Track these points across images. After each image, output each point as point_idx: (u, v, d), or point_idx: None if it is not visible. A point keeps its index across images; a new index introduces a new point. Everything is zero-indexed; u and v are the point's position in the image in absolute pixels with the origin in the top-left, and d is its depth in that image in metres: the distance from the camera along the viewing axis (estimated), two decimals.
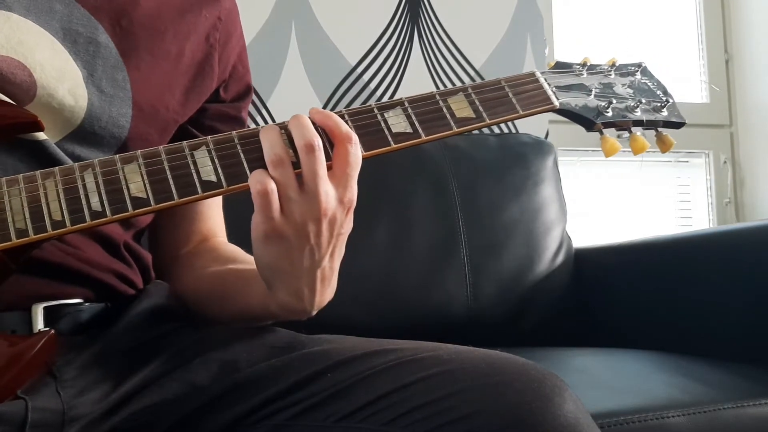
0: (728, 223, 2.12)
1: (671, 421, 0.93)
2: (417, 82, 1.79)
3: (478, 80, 1.84)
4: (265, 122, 1.66)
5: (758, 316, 1.22)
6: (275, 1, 1.70)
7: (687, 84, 2.20)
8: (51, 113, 0.70)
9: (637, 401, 0.96)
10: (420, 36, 1.81)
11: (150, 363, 0.69)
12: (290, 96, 1.68)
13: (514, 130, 1.82)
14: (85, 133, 0.72)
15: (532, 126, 1.82)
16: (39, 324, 0.68)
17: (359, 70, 1.75)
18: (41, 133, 0.70)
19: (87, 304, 0.73)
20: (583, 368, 1.17)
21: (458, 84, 1.82)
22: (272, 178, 0.63)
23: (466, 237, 1.48)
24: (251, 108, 1.65)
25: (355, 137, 0.66)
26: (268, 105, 1.66)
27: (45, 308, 0.69)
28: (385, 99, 1.75)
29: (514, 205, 1.54)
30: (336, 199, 0.65)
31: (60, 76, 0.70)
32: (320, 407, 0.62)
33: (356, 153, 0.66)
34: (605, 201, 2.07)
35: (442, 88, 1.80)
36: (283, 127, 0.67)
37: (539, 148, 1.63)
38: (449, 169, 1.52)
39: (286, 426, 0.63)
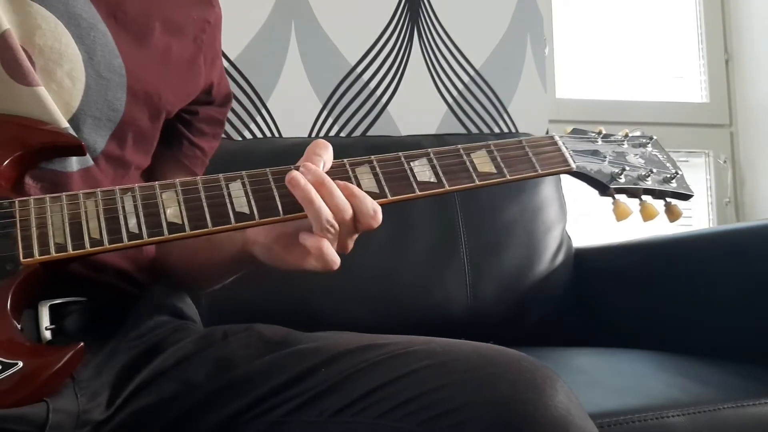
0: (728, 222, 2.12)
1: (671, 420, 0.93)
2: (417, 82, 1.79)
3: (478, 80, 1.85)
4: (265, 122, 1.66)
5: (758, 316, 1.22)
6: (275, 1, 1.70)
7: (687, 83, 2.20)
8: (52, 96, 0.72)
9: (636, 401, 0.96)
10: (420, 36, 1.81)
11: (151, 362, 0.70)
12: (290, 96, 1.68)
13: (513, 130, 1.83)
14: (84, 116, 0.74)
15: (531, 126, 1.82)
16: (45, 322, 0.69)
17: (359, 69, 1.75)
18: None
19: (92, 303, 0.74)
20: (582, 368, 1.17)
21: (458, 83, 1.83)
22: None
23: (465, 237, 1.48)
24: (251, 107, 1.66)
25: (378, 214, 0.70)
26: (267, 105, 1.66)
27: (50, 306, 0.70)
28: (385, 99, 1.76)
29: (514, 204, 1.54)
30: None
31: (59, 59, 0.72)
32: (314, 402, 0.63)
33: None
34: (605, 201, 2.07)
35: (442, 88, 1.81)
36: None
37: None
38: None
39: (282, 422, 0.63)
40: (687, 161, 2.18)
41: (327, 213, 0.67)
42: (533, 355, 0.61)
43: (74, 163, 0.74)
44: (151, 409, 0.66)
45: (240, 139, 1.64)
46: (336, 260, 0.68)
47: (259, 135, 1.65)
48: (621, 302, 1.48)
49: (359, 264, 1.41)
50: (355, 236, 0.71)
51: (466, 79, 1.84)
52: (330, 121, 1.71)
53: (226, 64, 1.63)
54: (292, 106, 1.68)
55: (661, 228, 2.05)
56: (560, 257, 1.55)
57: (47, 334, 0.69)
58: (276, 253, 0.72)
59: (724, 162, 2.17)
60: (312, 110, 1.71)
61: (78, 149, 0.72)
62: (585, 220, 1.95)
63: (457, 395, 0.57)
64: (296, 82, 1.69)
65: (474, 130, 1.81)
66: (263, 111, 1.66)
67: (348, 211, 0.68)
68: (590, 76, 2.09)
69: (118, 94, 0.76)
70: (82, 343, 0.66)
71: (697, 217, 2.16)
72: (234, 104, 1.64)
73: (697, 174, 2.18)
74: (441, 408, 0.57)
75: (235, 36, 1.65)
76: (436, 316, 1.43)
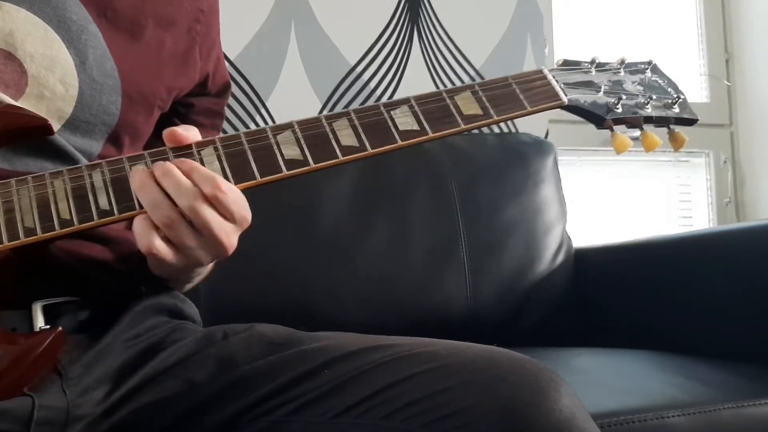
0: (728, 222, 2.13)
1: (671, 421, 0.93)
2: (417, 81, 1.79)
3: (478, 80, 1.84)
4: (265, 122, 1.66)
5: (758, 316, 1.22)
6: (275, 0, 1.70)
7: (687, 83, 2.20)
8: (44, 103, 0.71)
9: (636, 401, 0.96)
10: (420, 36, 1.81)
11: (150, 361, 0.70)
12: (290, 96, 1.68)
13: (513, 130, 1.82)
14: (78, 122, 0.73)
15: (532, 125, 1.82)
16: (39, 322, 0.68)
17: (359, 69, 1.75)
18: None
19: (86, 302, 0.74)
20: (582, 368, 1.18)
21: (458, 83, 1.82)
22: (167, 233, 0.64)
23: (465, 237, 1.48)
24: (251, 107, 1.66)
25: (223, 186, 0.65)
26: (267, 104, 1.66)
27: (44, 306, 0.69)
28: (385, 99, 1.76)
29: (514, 204, 1.54)
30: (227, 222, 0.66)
31: (50, 66, 0.71)
32: (318, 403, 0.62)
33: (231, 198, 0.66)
34: (605, 201, 2.07)
35: (442, 87, 1.81)
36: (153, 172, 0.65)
37: (539, 147, 1.63)
38: (449, 169, 1.52)
39: (283, 422, 0.63)
40: (687, 161, 2.18)
41: (164, 203, 0.63)
42: (533, 355, 0.61)
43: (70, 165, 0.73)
44: (151, 408, 0.66)
45: None
46: (151, 243, 0.63)
47: None
48: (621, 302, 1.48)
49: (359, 264, 1.41)
50: (229, 227, 0.66)
51: (466, 79, 1.84)
52: None
53: (225, 63, 1.63)
54: (292, 106, 1.68)
55: (661, 228, 2.05)
56: (560, 257, 1.55)
57: None
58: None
59: (725, 162, 2.17)
60: (312, 110, 1.70)
61: (46, 129, 0.69)
62: (585, 220, 1.96)
63: (461, 398, 0.57)
64: (296, 81, 1.69)
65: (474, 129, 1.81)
66: (263, 110, 1.66)
67: (193, 191, 0.63)
68: None
69: (113, 98, 0.75)
70: (60, 328, 0.65)
71: (698, 217, 2.16)
72: (233, 103, 1.64)
73: (697, 174, 2.18)
74: (445, 411, 0.56)
75: (235, 36, 1.65)
76: (436, 316, 1.43)
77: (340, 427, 0.61)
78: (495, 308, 1.47)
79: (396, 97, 1.76)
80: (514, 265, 1.50)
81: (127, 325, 0.74)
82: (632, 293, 1.46)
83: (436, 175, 1.51)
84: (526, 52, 1.88)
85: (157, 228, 0.64)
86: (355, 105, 1.73)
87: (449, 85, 1.81)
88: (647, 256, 1.48)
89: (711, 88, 2.19)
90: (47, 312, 0.69)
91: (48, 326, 0.68)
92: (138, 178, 0.64)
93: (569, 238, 1.59)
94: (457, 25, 1.84)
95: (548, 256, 1.53)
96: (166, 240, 0.65)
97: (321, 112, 1.71)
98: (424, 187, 1.50)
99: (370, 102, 1.75)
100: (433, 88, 1.84)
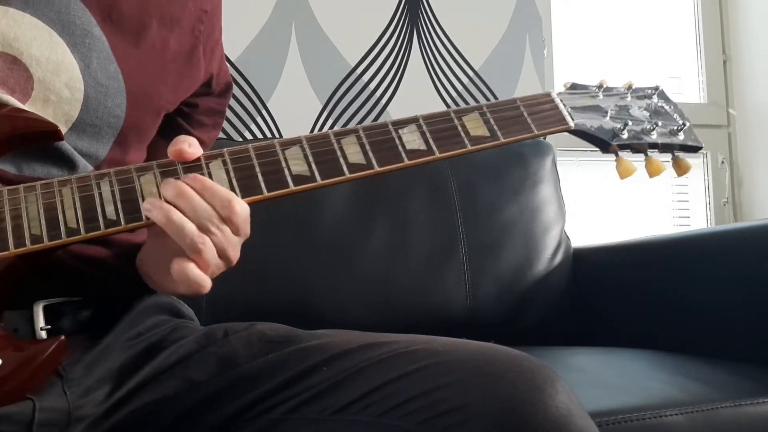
0: (726, 223, 2.13)
1: (669, 419, 0.94)
2: (416, 83, 1.80)
3: (477, 81, 1.85)
4: (265, 122, 1.66)
5: (756, 316, 1.23)
6: (275, 1, 1.70)
7: (685, 84, 2.20)
8: (51, 107, 0.71)
9: (635, 400, 0.96)
10: (419, 37, 1.82)
11: (151, 360, 0.70)
12: (290, 97, 1.69)
13: None
14: (84, 125, 0.73)
15: None
16: (40, 322, 0.68)
17: (359, 70, 1.75)
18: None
19: (87, 302, 0.74)
20: (581, 367, 1.18)
21: (457, 84, 1.83)
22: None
23: (465, 237, 1.49)
24: (251, 108, 1.66)
25: (236, 207, 0.65)
26: (268, 105, 1.67)
27: (45, 306, 0.69)
28: (385, 99, 1.77)
29: (512, 205, 1.54)
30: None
31: (56, 70, 0.71)
32: (316, 400, 0.63)
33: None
34: (604, 201, 2.08)
35: (441, 89, 1.82)
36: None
37: (538, 148, 1.63)
38: (448, 169, 1.53)
39: (283, 420, 0.64)
40: None
41: (190, 227, 0.62)
42: (532, 354, 0.61)
43: (75, 171, 0.73)
44: (152, 407, 0.66)
45: (240, 139, 1.64)
46: (203, 283, 0.63)
47: (259, 135, 1.66)
48: (619, 302, 1.49)
49: (359, 265, 1.42)
50: (236, 240, 0.65)
51: (465, 80, 1.84)
52: (330, 121, 1.72)
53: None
54: (293, 107, 1.69)
55: (659, 228, 2.06)
56: (559, 257, 1.55)
57: (43, 335, 0.68)
58: (155, 280, 0.71)
59: (722, 163, 2.18)
60: (312, 111, 1.71)
61: (54, 134, 0.68)
62: (583, 220, 1.96)
63: (457, 395, 0.57)
64: (296, 82, 1.70)
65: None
66: (263, 111, 1.67)
67: (208, 212, 0.63)
68: (589, 76, 2.09)
69: (118, 100, 0.75)
70: (63, 336, 0.65)
71: (695, 217, 2.17)
72: (234, 105, 1.64)
73: (694, 174, 2.19)
74: (442, 407, 0.57)
75: (236, 37, 1.66)
76: (436, 316, 1.43)
77: (339, 424, 0.61)
78: (494, 308, 1.47)
79: (396, 98, 1.77)
80: (513, 265, 1.50)
81: (127, 324, 0.75)
82: (630, 293, 1.47)
83: (435, 175, 1.52)
84: (524, 53, 1.89)
85: (187, 259, 0.63)
86: (356, 106, 1.74)
87: (448, 86, 1.82)
88: (645, 256, 1.48)
89: (709, 88, 2.20)
90: (48, 312, 0.69)
91: (49, 326, 0.68)
92: (156, 209, 0.63)
93: (568, 238, 1.60)
94: (456, 26, 1.85)
95: (547, 256, 1.54)
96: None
97: (321, 113, 1.72)
98: (424, 188, 1.51)
99: (370, 103, 1.75)
100: (432, 90, 1.87)
